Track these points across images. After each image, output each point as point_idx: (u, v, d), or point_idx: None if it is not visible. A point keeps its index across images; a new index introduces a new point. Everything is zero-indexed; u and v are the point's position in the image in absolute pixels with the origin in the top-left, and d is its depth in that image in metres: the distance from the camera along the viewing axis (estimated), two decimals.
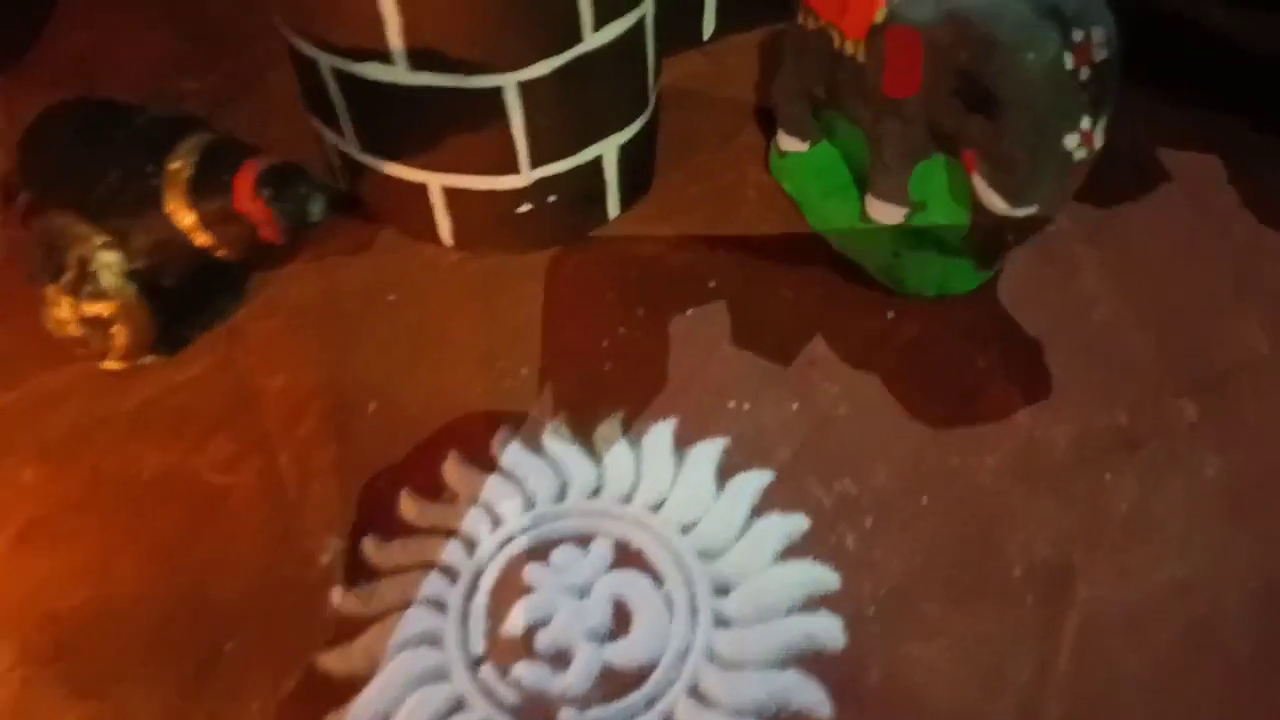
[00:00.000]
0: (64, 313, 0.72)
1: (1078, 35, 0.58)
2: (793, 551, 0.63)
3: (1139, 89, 0.91)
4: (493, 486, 0.68)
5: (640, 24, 0.77)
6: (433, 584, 0.63)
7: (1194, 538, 0.63)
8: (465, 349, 0.77)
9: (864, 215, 0.77)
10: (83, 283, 0.71)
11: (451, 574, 0.63)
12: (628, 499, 0.67)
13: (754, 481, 0.67)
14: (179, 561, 0.65)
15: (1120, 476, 0.65)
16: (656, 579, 0.63)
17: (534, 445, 0.70)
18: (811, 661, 0.58)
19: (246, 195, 0.67)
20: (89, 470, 0.70)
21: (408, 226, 0.85)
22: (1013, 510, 0.64)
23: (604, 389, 0.74)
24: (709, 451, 0.69)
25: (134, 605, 0.63)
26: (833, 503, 0.66)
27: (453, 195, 0.80)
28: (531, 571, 0.63)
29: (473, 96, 0.72)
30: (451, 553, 0.64)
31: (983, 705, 0.57)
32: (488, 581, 0.63)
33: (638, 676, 0.58)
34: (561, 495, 0.68)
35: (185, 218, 0.68)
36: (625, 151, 0.83)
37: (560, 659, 0.59)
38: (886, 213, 0.75)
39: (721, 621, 0.61)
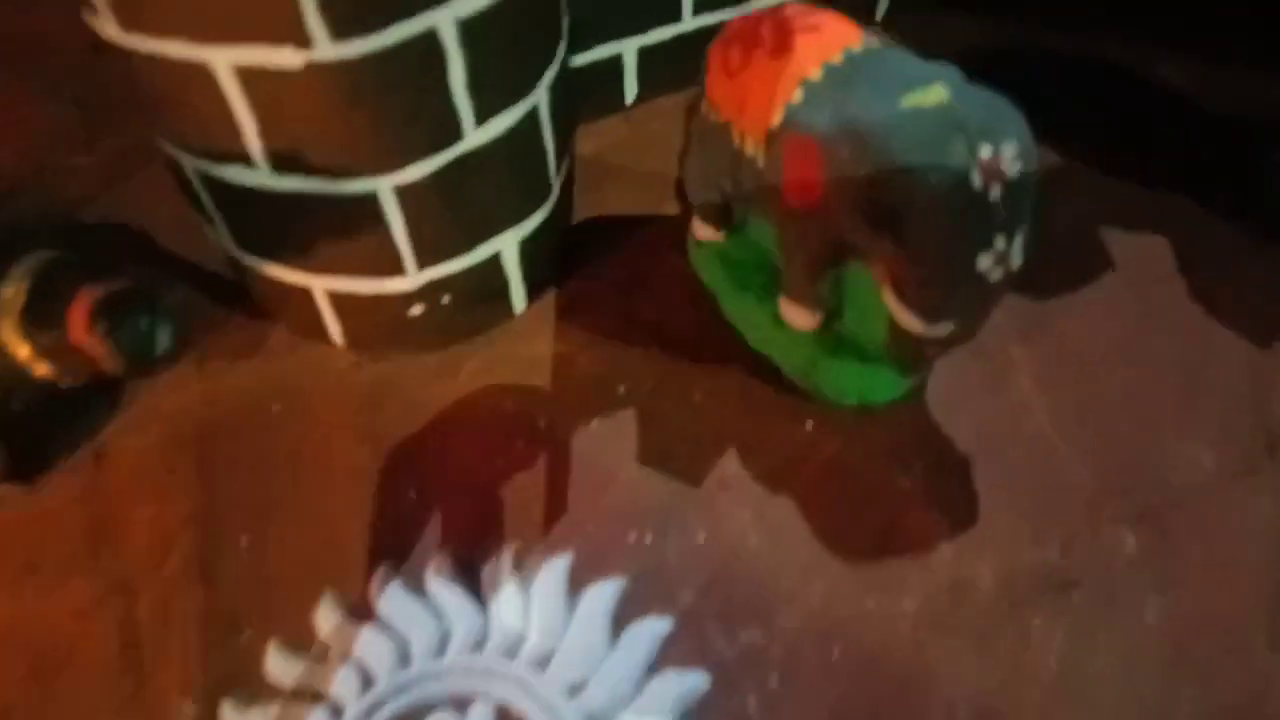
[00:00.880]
0: None
1: (985, 151, 0.52)
2: (689, 718, 0.57)
3: (1077, 161, 0.87)
4: (367, 638, 0.62)
5: (532, 114, 0.70)
6: None
7: (1132, 693, 0.57)
8: (350, 470, 0.71)
9: (778, 317, 0.71)
10: None
11: None
12: (513, 653, 0.61)
13: (651, 631, 0.61)
14: None
15: (1051, 623, 0.60)
16: None
17: (416, 586, 0.64)
18: None
19: (81, 328, 0.61)
20: None
21: (297, 326, 0.79)
22: (932, 666, 0.58)
23: (496, 517, 0.67)
24: (605, 594, 0.63)
25: None
26: (736, 655, 0.60)
27: (338, 298, 0.74)
28: None
29: (345, 201, 0.66)
30: None
31: None
32: None
33: None
34: (442, 647, 0.61)
35: (20, 349, 0.62)
36: (527, 245, 0.77)
37: None
38: (799, 317, 0.69)
39: None
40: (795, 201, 0.60)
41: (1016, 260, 0.56)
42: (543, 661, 0.60)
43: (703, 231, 0.78)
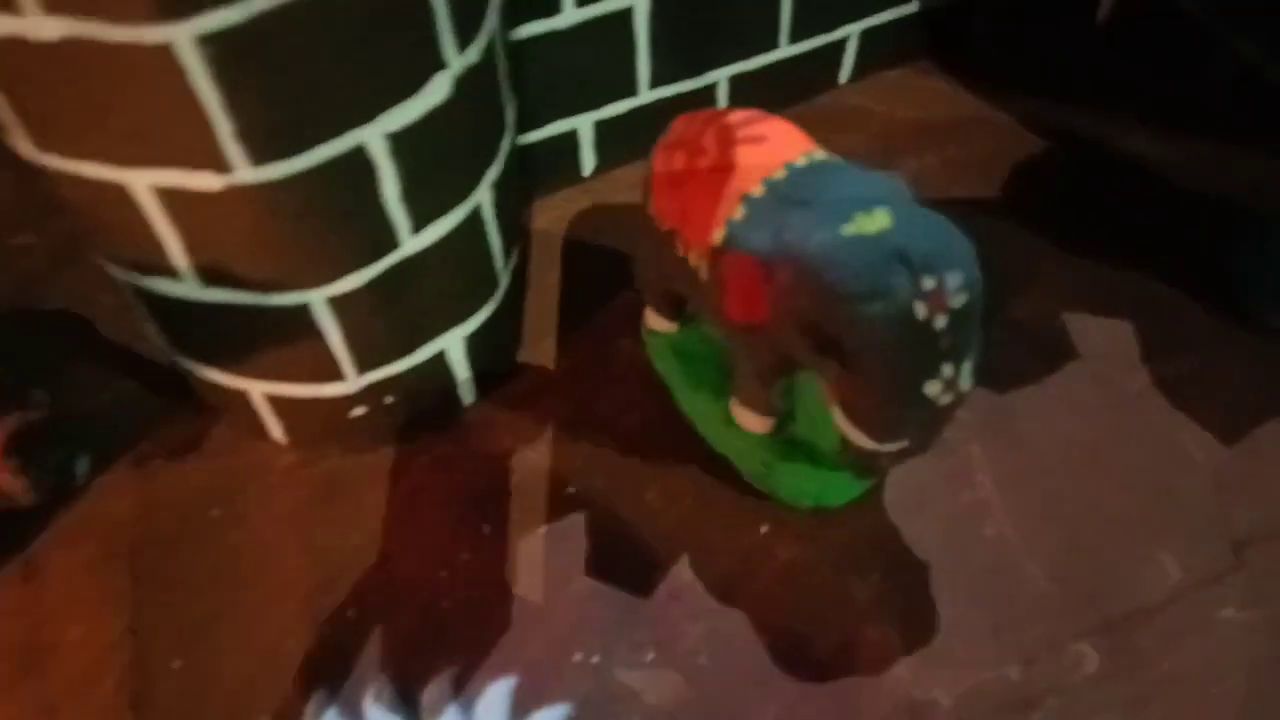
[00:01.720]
0: None
1: (929, 283, 0.50)
2: None
3: (1040, 238, 0.85)
4: None
5: (474, 214, 0.68)
6: None
7: None
8: (289, 583, 0.68)
9: (732, 411, 0.69)
10: None
11: None
12: None
13: None
14: None
15: None
16: None
17: (353, 713, 0.62)
18: None
19: None
20: None
21: (238, 424, 0.77)
22: None
23: (439, 635, 0.65)
24: None
25: None
26: None
27: (277, 400, 0.72)
28: None
29: (277, 312, 0.63)
30: None
31: None
32: None
33: None
34: None
35: None
36: (473, 340, 0.74)
37: None
38: (751, 422, 0.67)
39: None
40: (739, 318, 0.58)
41: (966, 384, 0.54)
42: None
43: (655, 322, 0.75)
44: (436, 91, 0.59)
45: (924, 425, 0.56)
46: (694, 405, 0.73)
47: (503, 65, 0.69)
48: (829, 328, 0.52)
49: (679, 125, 0.64)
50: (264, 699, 0.63)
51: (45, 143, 0.55)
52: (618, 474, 0.73)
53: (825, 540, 0.67)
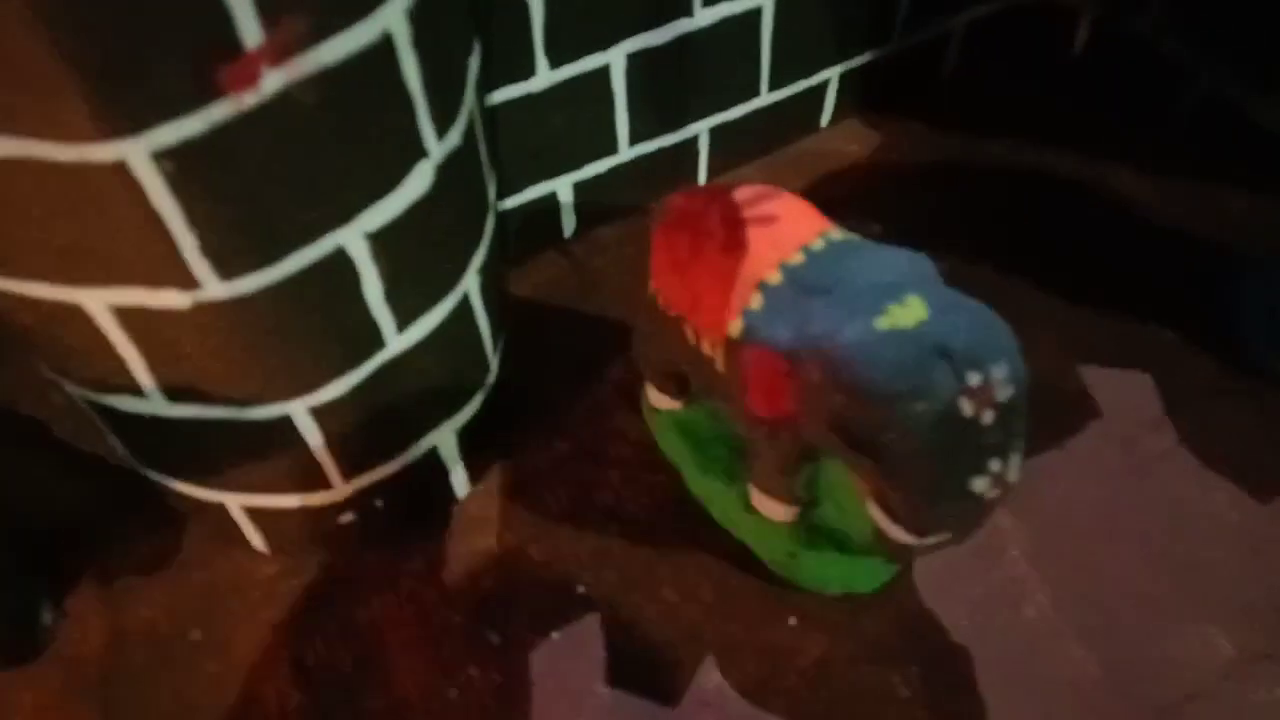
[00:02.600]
0: None
1: (974, 378, 0.46)
2: None
3: (1042, 289, 0.82)
4: None
5: (463, 302, 0.63)
6: None
7: None
8: (278, 714, 0.63)
9: (750, 504, 0.65)
10: None
11: None
12: None
13: None
14: None
15: None
16: None
17: None
18: None
19: None
20: None
21: (213, 532, 0.71)
22: None
23: None
24: None
25: None
26: None
27: (258, 512, 0.66)
28: None
29: (254, 425, 0.58)
30: None
31: None
32: None
33: None
34: None
35: None
36: (466, 432, 0.69)
37: None
38: (773, 510, 0.62)
39: None
40: (762, 413, 0.54)
41: (1014, 476, 0.50)
42: None
43: (658, 400, 0.71)
44: (418, 183, 0.54)
45: (967, 519, 0.52)
46: (707, 489, 0.69)
47: (483, 142, 0.65)
48: (865, 427, 0.48)
49: (678, 204, 0.59)
50: None
51: None
52: (629, 568, 0.68)
53: (857, 632, 0.63)
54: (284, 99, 0.45)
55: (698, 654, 0.64)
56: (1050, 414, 0.72)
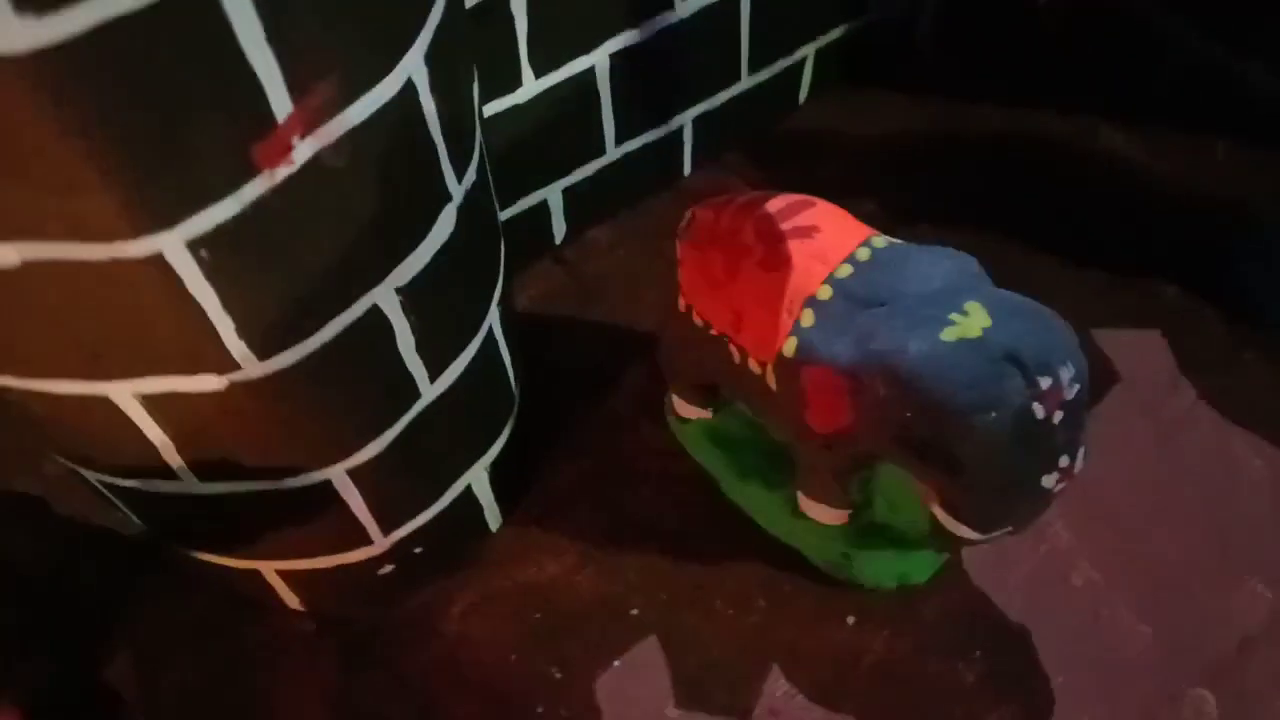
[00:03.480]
0: None
1: (1046, 381, 0.46)
2: None
3: (1045, 253, 0.83)
4: None
5: (488, 338, 0.61)
6: None
7: None
8: None
9: (798, 509, 0.64)
10: None
11: None
12: None
13: None
14: None
15: None
16: None
17: None
18: None
19: None
20: None
21: (245, 596, 0.68)
22: None
23: None
24: None
25: None
26: None
27: (293, 575, 0.64)
28: None
29: (291, 494, 0.56)
30: None
31: None
32: None
33: None
34: None
35: None
36: (497, 467, 0.68)
37: None
38: (825, 515, 0.62)
39: None
40: (823, 430, 0.54)
41: (1081, 466, 0.50)
42: None
43: (686, 410, 0.70)
44: (444, 228, 0.52)
45: (1034, 513, 0.52)
46: (748, 497, 0.68)
47: (488, 172, 0.62)
48: (939, 440, 0.48)
49: (705, 218, 0.58)
50: None
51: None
52: (678, 584, 0.68)
53: (917, 623, 0.64)
54: (315, 166, 0.42)
55: (762, 664, 0.64)
56: None
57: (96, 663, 0.66)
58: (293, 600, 0.67)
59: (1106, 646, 0.62)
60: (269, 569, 0.63)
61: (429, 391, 0.57)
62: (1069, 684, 0.61)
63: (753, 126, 0.95)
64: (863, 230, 0.54)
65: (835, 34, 0.94)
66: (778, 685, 0.63)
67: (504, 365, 0.65)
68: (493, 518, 0.71)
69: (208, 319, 0.43)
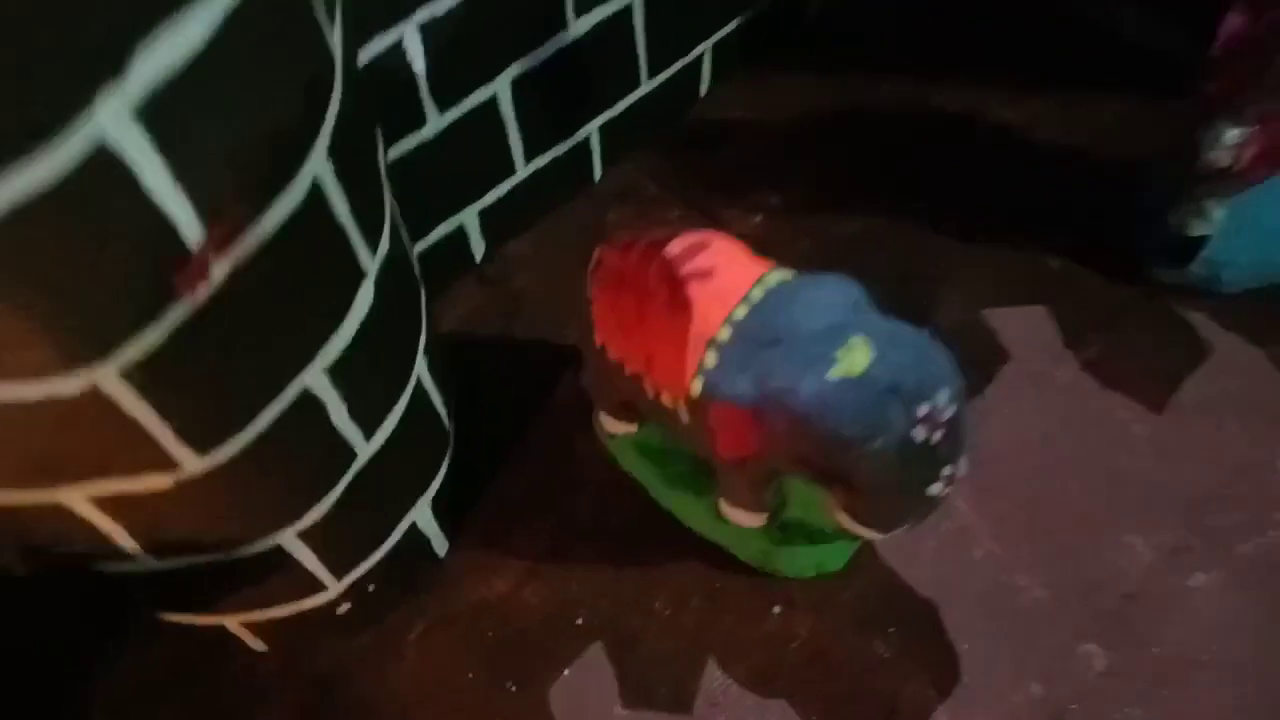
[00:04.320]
0: None
1: (923, 409, 0.51)
2: None
3: (947, 238, 0.88)
4: None
5: (418, 389, 0.65)
6: None
7: None
8: None
9: (720, 512, 0.69)
10: None
11: None
12: None
13: None
14: None
15: None
16: None
17: None
18: None
19: None
20: None
21: (210, 643, 0.72)
22: None
23: None
24: None
25: None
26: None
27: (255, 624, 0.68)
28: None
29: (245, 560, 0.59)
30: None
31: None
32: None
33: None
34: None
35: None
36: (439, 499, 0.71)
37: None
38: (745, 519, 0.67)
39: None
40: (730, 457, 0.59)
41: (963, 471, 0.56)
42: None
43: (613, 426, 0.74)
44: (362, 303, 0.55)
45: (926, 512, 0.58)
46: (676, 503, 0.73)
47: (400, 229, 0.65)
48: (834, 465, 0.53)
49: (612, 259, 0.61)
50: None
51: None
52: (619, 590, 0.73)
53: (837, 607, 0.70)
54: (232, 279, 0.45)
55: (699, 658, 0.69)
56: (966, 365, 0.78)
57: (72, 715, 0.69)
58: (258, 644, 0.71)
59: (1007, 611, 0.69)
60: (231, 621, 0.67)
61: (365, 450, 0.60)
62: (975, 649, 0.68)
63: (658, 123, 0.97)
64: (756, 267, 0.58)
65: (730, 27, 0.97)
66: (715, 677, 0.68)
67: (435, 407, 0.69)
68: (440, 545, 0.75)
69: (147, 431, 0.46)
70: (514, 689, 0.69)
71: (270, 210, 0.45)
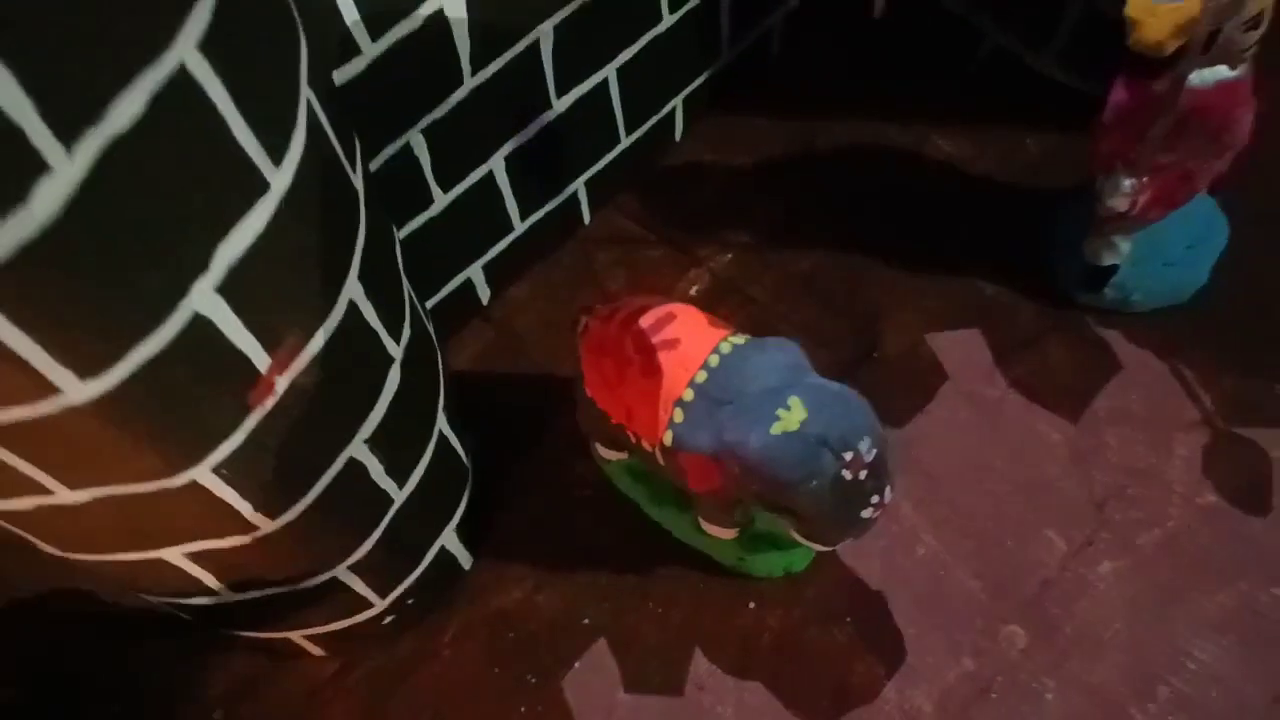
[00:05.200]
0: None
1: (848, 455, 0.63)
2: None
3: (895, 270, 0.99)
4: None
5: (441, 442, 0.77)
6: None
7: None
8: None
9: (700, 525, 0.82)
10: None
11: None
12: None
13: None
14: None
15: None
16: None
17: None
18: None
19: None
20: None
21: (278, 652, 0.86)
22: None
23: None
24: None
25: None
26: None
27: (315, 636, 0.81)
28: None
29: (307, 590, 0.72)
30: None
31: None
32: None
33: None
34: None
35: None
36: (463, 524, 0.85)
37: None
38: (719, 532, 0.80)
39: None
40: (699, 490, 0.71)
41: (889, 498, 0.68)
42: None
43: (606, 454, 0.87)
44: (391, 384, 0.67)
45: (864, 529, 0.71)
46: (664, 517, 0.86)
47: (419, 309, 0.77)
48: (780, 501, 0.66)
49: (596, 327, 0.73)
50: None
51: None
52: (618, 593, 0.86)
53: (802, 601, 0.83)
54: (292, 389, 0.57)
55: (687, 649, 0.83)
56: (912, 387, 0.91)
57: None
58: (318, 651, 0.85)
59: (944, 600, 0.82)
60: (296, 635, 0.80)
61: (400, 495, 0.73)
62: (918, 634, 0.81)
63: (637, 170, 1.09)
64: (713, 335, 0.70)
65: (699, 80, 1.08)
66: (701, 664, 0.82)
67: (455, 450, 0.82)
68: (465, 561, 0.88)
69: (232, 507, 0.59)
70: (533, 680, 0.82)
71: (318, 333, 0.57)
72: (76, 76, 0.39)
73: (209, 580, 0.67)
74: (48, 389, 0.44)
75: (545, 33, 0.84)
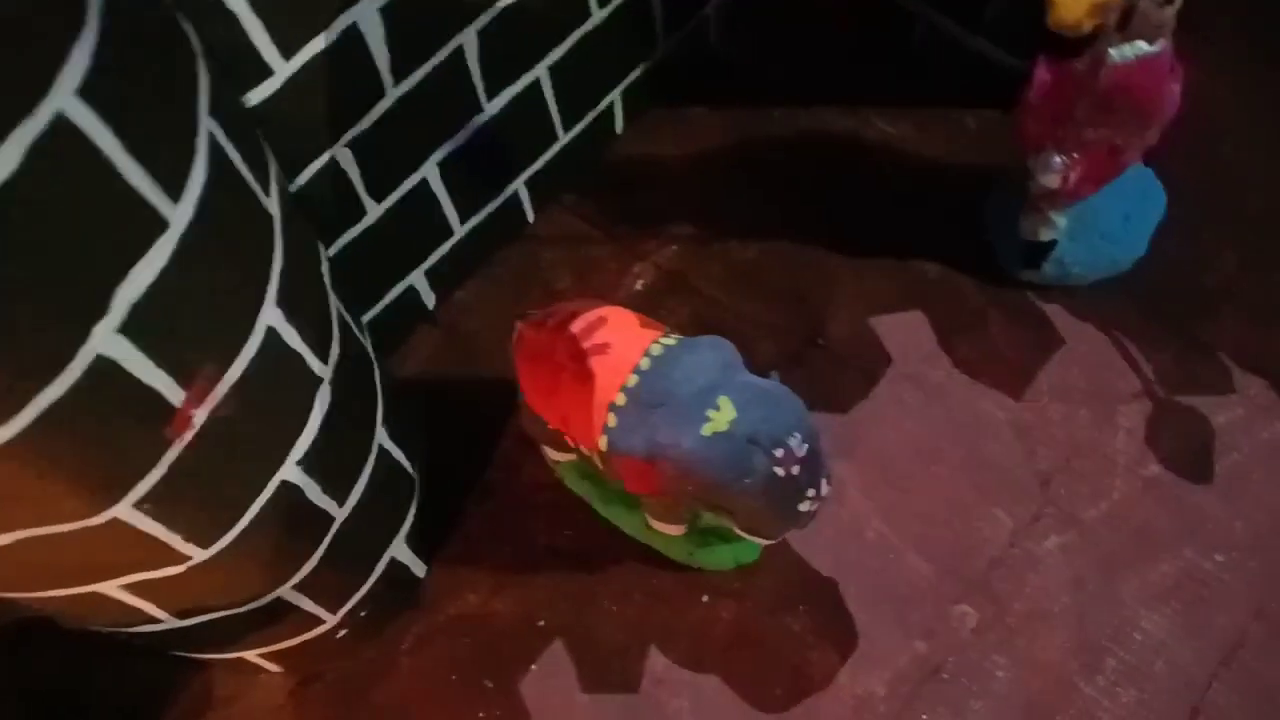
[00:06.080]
0: None
1: (779, 452, 0.64)
2: None
3: (840, 256, 0.99)
4: None
5: (382, 456, 0.77)
6: None
7: None
8: None
9: (650, 523, 0.83)
10: None
11: None
12: None
13: None
14: None
15: (935, 712, 0.77)
16: None
17: None
18: None
19: None
20: None
21: (234, 669, 0.86)
22: None
23: None
24: None
25: None
26: None
27: (270, 654, 0.81)
28: None
29: (254, 611, 0.72)
30: None
31: None
32: None
33: None
34: None
35: None
36: (413, 533, 0.85)
37: None
38: (668, 529, 0.81)
39: None
40: (640, 491, 0.71)
41: (826, 492, 0.69)
42: None
43: (555, 455, 0.87)
44: (321, 404, 0.67)
45: (805, 521, 0.71)
46: (615, 515, 0.86)
47: (351, 324, 0.76)
48: (715, 500, 0.66)
49: (529, 335, 0.73)
50: None
51: None
52: (573, 593, 0.86)
53: (754, 591, 0.84)
54: (211, 419, 0.57)
55: (643, 645, 0.83)
56: (858, 371, 0.91)
57: None
58: (275, 668, 0.85)
59: (895, 583, 0.82)
60: (250, 654, 0.80)
61: (340, 513, 0.73)
62: (870, 618, 0.81)
63: (580, 167, 1.08)
64: (645, 338, 0.70)
65: (636, 73, 1.07)
66: (657, 659, 0.82)
67: (399, 462, 0.81)
68: (418, 569, 0.88)
69: (159, 540, 0.59)
70: (491, 685, 0.83)
71: (235, 362, 0.57)
72: None
73: (151, 609, 0.67)
74: None
75: (469, 38, 0.83)
